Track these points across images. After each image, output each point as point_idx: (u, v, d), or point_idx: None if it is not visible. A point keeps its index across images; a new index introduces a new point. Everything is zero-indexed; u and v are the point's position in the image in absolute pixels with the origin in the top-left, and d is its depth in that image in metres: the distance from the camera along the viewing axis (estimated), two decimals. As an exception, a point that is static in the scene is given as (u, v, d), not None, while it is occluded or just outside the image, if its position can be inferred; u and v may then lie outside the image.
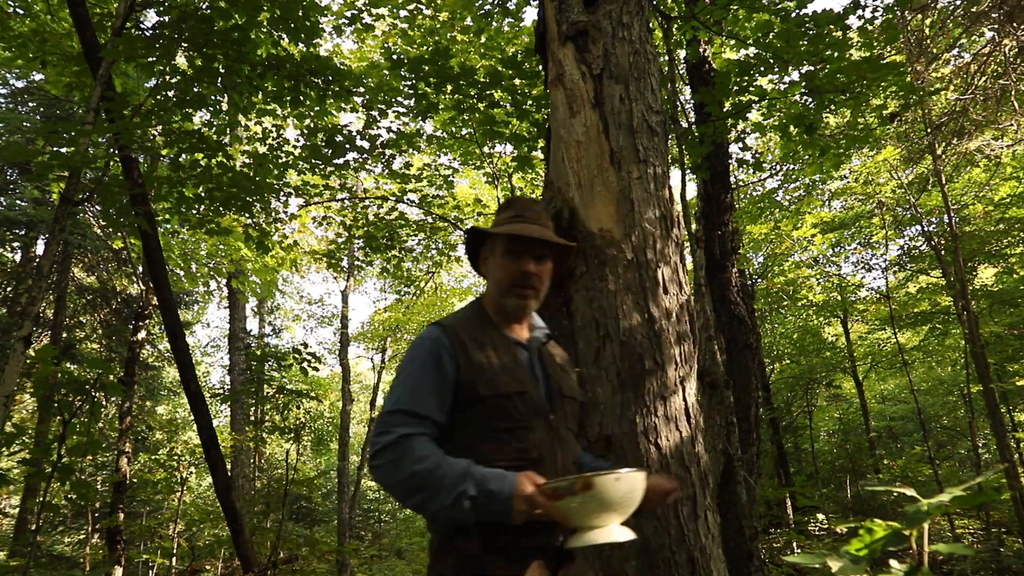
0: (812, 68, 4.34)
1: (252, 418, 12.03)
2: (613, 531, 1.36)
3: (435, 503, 1.39)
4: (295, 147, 6.05)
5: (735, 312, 5.67)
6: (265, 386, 7.36)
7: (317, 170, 6.27)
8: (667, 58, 5.43)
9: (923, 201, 9.65)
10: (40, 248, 11.77)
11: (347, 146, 5.82)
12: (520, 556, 1.45)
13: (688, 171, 5.26)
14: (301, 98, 5.37)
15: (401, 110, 6.10)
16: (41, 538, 11.23)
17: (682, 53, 6.12)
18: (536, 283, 1.65)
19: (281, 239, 7.67)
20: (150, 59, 4.62)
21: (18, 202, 11.44)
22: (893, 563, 0.89)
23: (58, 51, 5.69)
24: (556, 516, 1.35)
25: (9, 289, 11.69)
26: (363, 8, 5.89)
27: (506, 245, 1.66)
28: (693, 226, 5.26)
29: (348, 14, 6.00)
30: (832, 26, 4.21)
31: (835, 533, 9.14)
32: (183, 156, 5.19)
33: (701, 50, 5.90)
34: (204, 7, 4.73)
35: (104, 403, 11.61)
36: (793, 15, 4.34)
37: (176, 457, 9.34)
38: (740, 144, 5.61)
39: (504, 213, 1.75)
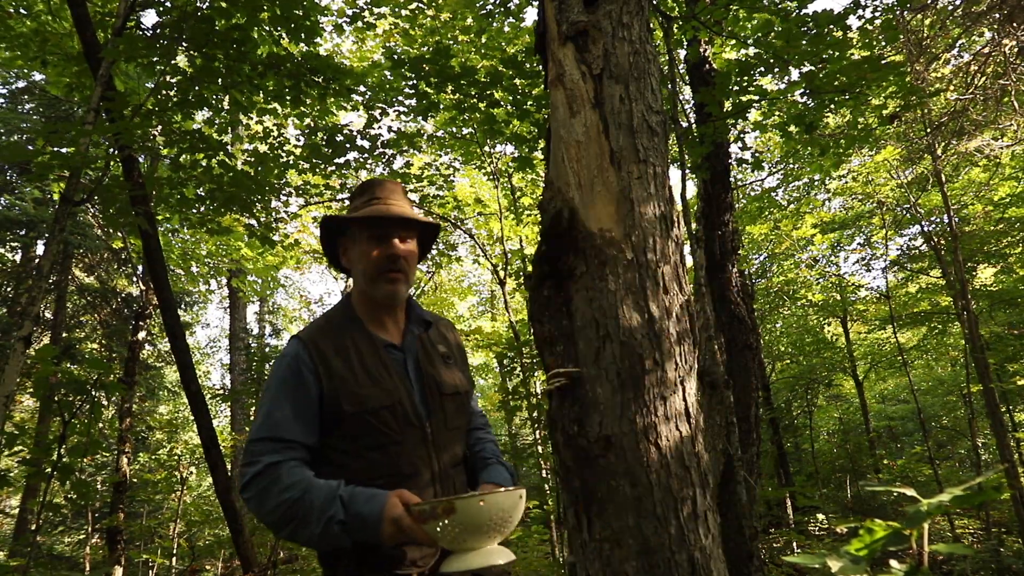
0: (812, 68, 4.34)
1: (252, 418, 12.03)
2: (489, 554, 1.30)
3: (306, 531, 1.33)
4: (296, 146, 6.05)
5: (735, 312, 5.67)
6: (265, 386, 7.36)
7: (318, 170, 6.28)
8: (667, 58, 5.43)
9: (923, 201, 9.66)
10: (40, 248, 11.77)
11: (347, 146, 5.82)
12: (397, 571, 1.43)
13: (688, 171, 5.26)
14: (301, 97, 5.37)
15: (402, 109, 6.10)
16: (41, 538, 11.24)
17: (682, 53, 6.11)
18: (404, 265, 1.58)
19: (283, 238, 7.68)
20: (151, 59, 4.62)
21: (18, 202, 11.44)
22: (893, 563, 0.89)
23: (59, 51, 5.69)
24: (425, 540, 1.30)
25: (9, 289, 11.69)
26: (364, 7, 5.90)
27: (368, 230, 1.58)
28: (693, 226, 5.26)
29: (349, 13, 6.00)
30: (832, 26, 4.21)
31: (835, 533, 9.14)
32: (183, 156, 5.19)
33: (701, 50, 5.90)
34: (204, 7, 4.73)
35: (104, 403, 11.61)
36: (793, 15, 4.34)
37: (176, 457, 9.35)
38: (740, 144, 5.62)
39: (359, 198, 1.65)
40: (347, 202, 8.06)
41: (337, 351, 1.51)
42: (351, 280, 1.74)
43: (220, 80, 4.92)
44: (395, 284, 1.57)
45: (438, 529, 1.26)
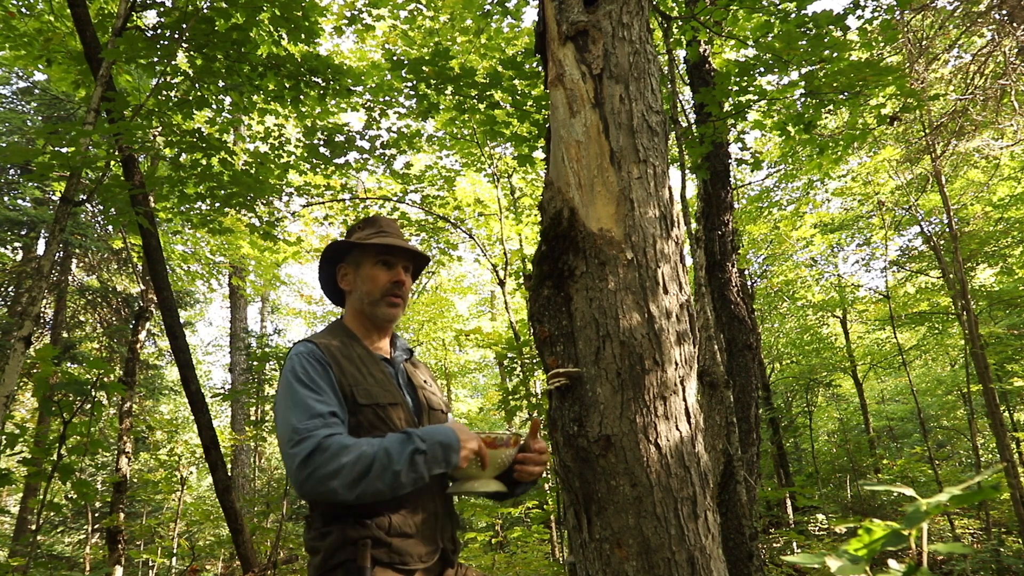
0: (812, 69, 4.34)
1: (252, 418, 12.03)
2: (492, 483, 1.61)
3: (385, 477, 1.41)
4: (297, 146, 6.05)
5: (735, 312, 5.67)
6: (265, 386, 7.38)
7: (318, 170, 6.28)
8: (667, 58, 5.42)
9: (923, 201, 9.65)
10: (40, 248, 11.77)
11: (347, 146, 5.82)
12: (404, 567, 1.51)
13: (688, 171, 5.25)
14: (301, 97, 5.37)
15: (402, 111, 6.09)
16: (41, 538, 11.23)
17: (682, 53, 6.11)
18: (405, 292, 1.77)
19: (287, 236, 7.69)
20: (151, 60, 4.62)
21: (19, 202, 11.45)
22: (892, 563, 0.89)
23: (63, 49, 5.70)
24: (485, 460, 1.55)
25: (9, 289, 11.69)
26: (363, 8, 5.89)
27: (377, 257, 1.75)
28: (693, 226, 5.26)
29: (348, 14, 5.99)
30: (832, 26, 4.21)
31: (835, 533, 9.14)
32: (183, 155, 5.19)
33: (701, 50, 5.90)
34: (204, 7, 4.73)
35: (104, 403, 11.60)
36: (792, 16, 4.34)
37: (176, 457, 9.34)
38: (740, 144, 5.61)
39: (366, 230, 1.82)
40: (348, 202, 8.07)
41: (343, 354, 1.66)
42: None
43: (220, 80, 4.93)
44: (396, 308, 1.76)
45: (500, 458, 1.57)
